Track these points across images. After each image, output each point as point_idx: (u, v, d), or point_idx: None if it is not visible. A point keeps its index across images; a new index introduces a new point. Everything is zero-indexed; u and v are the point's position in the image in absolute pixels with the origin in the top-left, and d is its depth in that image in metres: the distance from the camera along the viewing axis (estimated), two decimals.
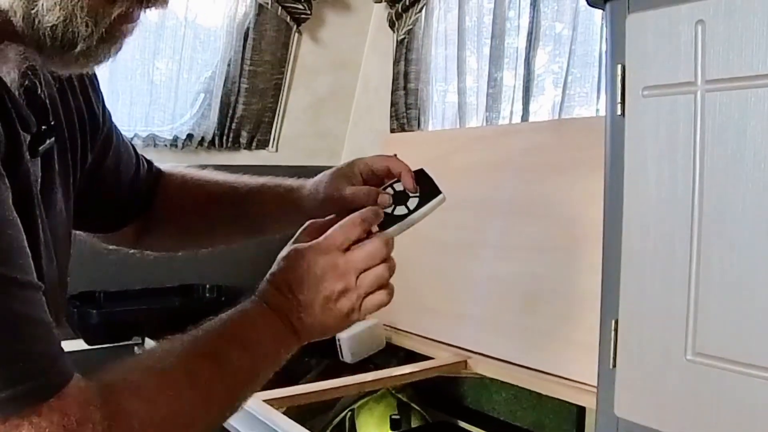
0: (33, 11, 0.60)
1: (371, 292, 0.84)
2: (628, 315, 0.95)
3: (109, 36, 0.66)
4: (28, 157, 0.71)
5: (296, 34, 2.29)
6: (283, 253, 0.89)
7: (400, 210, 0.98)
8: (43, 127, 0.76)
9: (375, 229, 0.94)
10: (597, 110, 1.73)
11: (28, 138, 0.72)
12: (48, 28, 0.62)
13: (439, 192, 1.00)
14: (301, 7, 2.21)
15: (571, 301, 1.49)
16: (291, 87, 2.40)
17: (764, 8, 0.75)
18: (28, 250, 0.58)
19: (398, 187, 1.01)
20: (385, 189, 1.00)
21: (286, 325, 0.82)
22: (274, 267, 0.88)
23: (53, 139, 0.80)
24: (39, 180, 0.76)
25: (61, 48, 0.64)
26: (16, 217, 0.57)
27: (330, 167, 1.09)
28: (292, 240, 0.95)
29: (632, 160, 0.94)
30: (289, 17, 2.22)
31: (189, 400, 0.70)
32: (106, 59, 0.69)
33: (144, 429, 0.63)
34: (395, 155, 1.07)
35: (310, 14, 2.25)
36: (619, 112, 0.94)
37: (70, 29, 0.62)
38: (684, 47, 0.85)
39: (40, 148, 0.76)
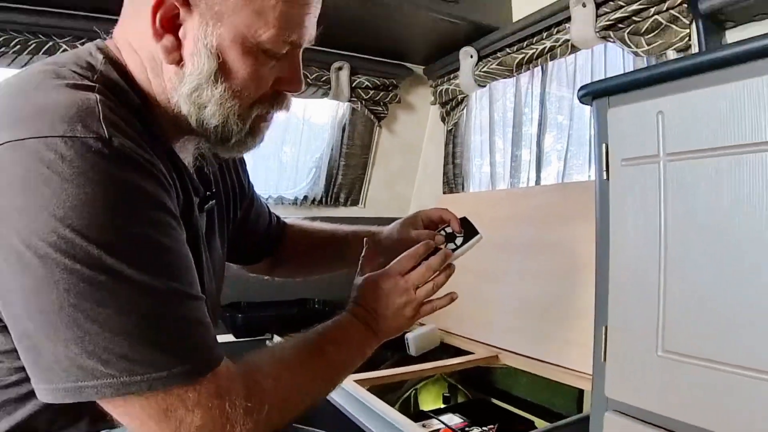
0: (202, 117, 0.73)
1: (427, 302, 1.00)
2: (615, 323, 1.00)
3: (252, 131, 0.79)
4: (197, 213, 0.83)
5: (377, 128, 2.52)
6: (358, 281, 1.00)
7: (450, 246, 1.10)
8: (207, 192, 0.90)
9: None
10: (589, 176, 1.85)
11: (197, 200, 0.84)
12: (212, 127, 0.75)
13: (477, 233, 1.12)
14: (380, 108, 2.45)
15: (573, 312, 1.57)
16: (374, 164, 2.60)
17: (705, 102, 0.82)
18: (196, 273, 0.70)
19: (448, 230, 1.13)
20: (438, 232, 1.13)
21: (368, 330, 0.94)
22: (354, 291, 0.99)
23: (214, 201, 0.94)
24: (204, 228, 0.89)
25: (221, 140, 0.77)
26: (188, 250, 0.69)
27: (400, 218, 1.26)
28: (359, 268, 1.09)
29: (615, 212, 0.98)
30: (372, 116, 2.45)
31: (301, 380, 0.80)
32: (252, 148, 0.83)
33: (270, 397, 0.72)
34: (446, 209, 1.19)
35: (387, 113, 2.48)
36: (605, 177, 1.00)
37: (227, 128, 0.75)
38: (649, 130, 0.90)
39: (205, 207, 0.90)
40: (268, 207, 1.24)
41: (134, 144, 0.61)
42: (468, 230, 1.13)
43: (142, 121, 0.70)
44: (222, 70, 0.70)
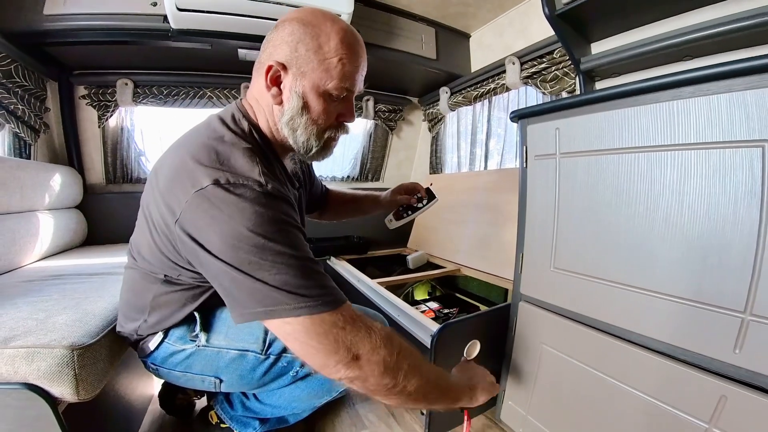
0: (295, 137, 0.72)
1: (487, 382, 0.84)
2: (527, 251, 0.99)
3: (325, 147, 0.75)
4: (296, 194, 0.83)
5: (391, 135, 2.46)
6: (467, 371, 0.85)
7: (419, 205, 1.14)
8: (297, 184, 0.87)
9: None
10: (516, 165, 1.79)
11: (296, 189, 0.84)
12: (301, 143, 0.72)
13: (435, 197, 1.14)
14: (392, 123, 2.38)
15: (504, 244, 1.56)
16: (389, 156, 2.52)
17: (583, 124, 0.81)
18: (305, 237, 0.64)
19: (419, 197, 1.15)
20: (413, 197, 1.15)
21: (471, 390, 0.79)
22: (467, 374, 0.84)
23: (301, 188, 0.94)
24: (297, 202, 0.87)
25: (306, 152, 0.74)
26: (305, 239, 0.63)
27: None
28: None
29: (530, 187, 0.97)
30: (387, 128, 2.39)
31: (421, 368, 0.65)
32: (323, 158, 0.78)
33: (398, 350, 0.62)
34: (418, 183, 1.18)
35: (396, 126, 2.42)
36: (525, 166, 0.98)
37: (309, 143, 0.73)
38: (550, 139, 0.89)
39: (300, 190, 0.91)
40: (321, 182, 1.20)
41: (277, 183, 0.62)
42: (430, 195, 1.13)
43: (269, 152, 0.71)
44: (305, 107, 0.69)
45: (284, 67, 0.68)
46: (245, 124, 0.70)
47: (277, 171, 0.71)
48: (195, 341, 0.75)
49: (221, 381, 0.78)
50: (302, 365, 0.79)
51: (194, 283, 0.72)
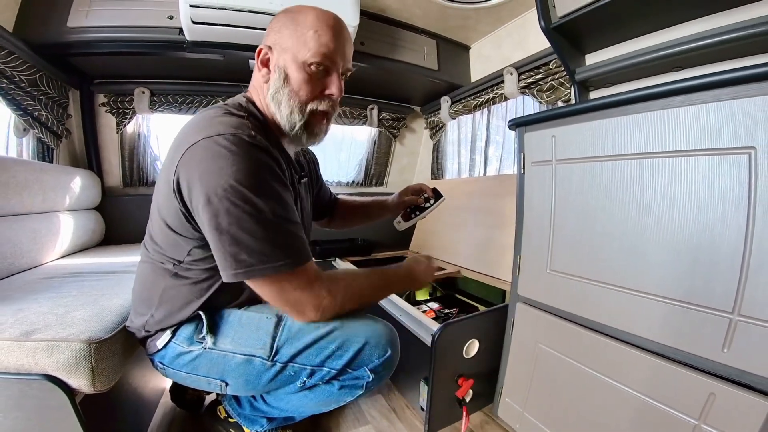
0: (280, 111, 0.73)
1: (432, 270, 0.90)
2: (525, 253, 0.98)
3: (309, 123, 0.73)
4: (299, 183, 0.83)
5: (394, 142, 2.43)
6: (406, 260, 0.90)
7: (427, 204, 1.12)
8: (303, 173, 0.89)
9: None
10: (514, 171, 1.54)
11: (297, 177, 0.82)
12: (285, 117, 0.72)
13: (442, 196, 1.13)
14: (395, 131, 2.36)
15: (502, 247, 1.54)
16: (392, 162, 2.51)
17: (577, 131, 0.80)
18: (296, 210, 0.68)
19: (426, 197, 1.13)
20: (421, 197, 1.14)
21: (409, 275, 0.86)
22: (406, 262, 0.89)
23: (306, 179, 0.92)
24: (303, 193, 0.87)
25: (291, 129, 0.73)
26: (292, 199, 0.67)
27: None
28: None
29: (527, 191, 0.97)
30: (391, 135, 2.37)
31: (363, 287, 0.76)
32: (314, 140, 0.76)
33: (343, 289, 0.71)
34: (424, 183, 1.18)
35: (399, 133, 2.40)
36: (522, 172, 0.97)
37: (293, 118, 0.72)
38: (547, 145, 0.89)
39: (302, 181, 0.88)
40: (329, 188, 1.19)
41: (269, 151, 0.65)
42: (437, 195, 1.12)
43: (268, 133, 0.73)
44: (286, 79, 0.71)
45: (270, 49, 0.71)
46: (251, 108, 0.73)
47: (275, 148, 0.70)
48: (202, 343, 0.74)
49: (227, 384, 0.76)
50: (310, 375, 0.74)
51: (201, 277, 0.72)
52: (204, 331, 0.73)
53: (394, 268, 0.84)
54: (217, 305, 0.75)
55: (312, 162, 1.04)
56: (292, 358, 0.73)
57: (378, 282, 0.79)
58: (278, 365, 0.73)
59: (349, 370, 0.74)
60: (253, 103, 0.75)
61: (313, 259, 0.69)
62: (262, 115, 0.75)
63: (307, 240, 0.72)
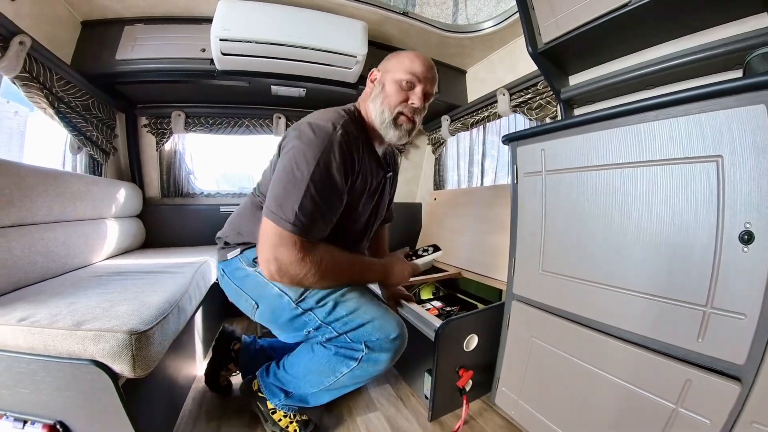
0: (375, 109, 0.85)
1: (408, 274, 0.95)
2: (519, 255, 0.96)
3: (396, 121, 0.84)
4: (386, 176, 0.93)
5: (400, 157, 2.42)
6: (389, 257, 0.99)
7: (426, 253, 1.07)
8: (388, 168, 0.95)
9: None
10: (508, 182, 1.73)
11: (383, 172, 0.92)
12: (378, 113, 0.84)
13: (439, 249, 1.09)
14: (401, 148, 2.34)
15: (498, 250, 1.51)
16: (399, 175, 2.12)
17: (564, 145, 0.79)
18: (337, 201, 0.76)
19: (428, 249, 1.09)
20: (423, 248, 1.09)
21: (384, 270, 0.92)
22: (385, 258, 0.97)
23: (391, 174, 0.99)
24: (388, 185, 0.96)
25: (381, 123, 0.85)
26: (342, 192, 0.76)
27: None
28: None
29: (520, 200, 0.96)
30: (397, 150, 2.30)
31: (342, 268, 0.80)
32: (401, 138, 0.85)
33: (326, 263, 0.76)
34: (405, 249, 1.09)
35: (404, 149, 2.39)
36: (515, 182, 0.96)
37: (383, 115, 0.84)
38: (537, 158, 0.88)
39: (388, 175, 0.96)
40: (392, 211, 1.18)
41: (349, 138, 0.76)
42: (437, 248, 1.09)
43: (362, 130, 0.84)
44: (383, 89, 0.85)
45: (378, 71, 0.89)
46: (353, 110, 0.87)
47: (362, 144, 0.81)
48: (255, 266, 0.83)
49: (258, 307, 0.84)
50: (316, 328, 0.81)
51: None
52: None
53: (375, 262, 0.90)
54: None
55: (396, 165, 1.09)
56: (311, 308, 0.80)
57: (357, 275, 0.84)
58: (299, 310, 0.80)
59: (348, 339, 0.80)
60: (358, 109, 0.89)
61: (320, 245, 0.75)
62: (361, 117, 0.88)
63: (361, 235, 0.88)
